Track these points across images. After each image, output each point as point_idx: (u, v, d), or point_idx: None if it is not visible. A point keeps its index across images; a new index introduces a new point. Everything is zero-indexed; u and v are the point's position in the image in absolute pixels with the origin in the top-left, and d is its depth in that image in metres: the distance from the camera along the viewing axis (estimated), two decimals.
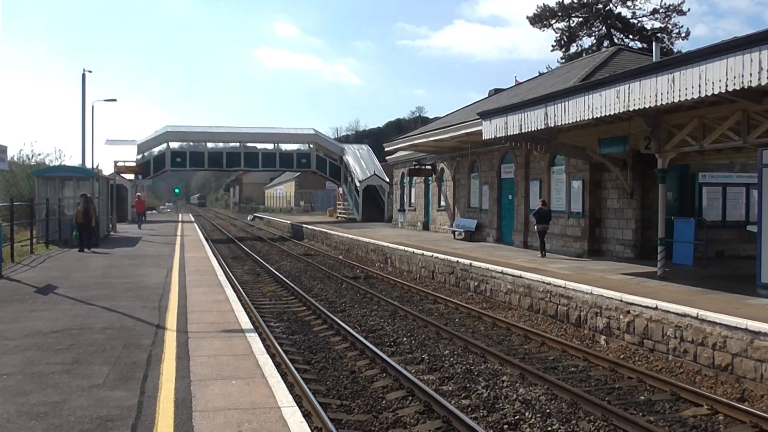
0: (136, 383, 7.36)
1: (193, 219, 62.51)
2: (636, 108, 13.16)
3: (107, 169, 42.27)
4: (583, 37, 60.14)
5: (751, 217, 19.18)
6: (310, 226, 43.58)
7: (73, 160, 70.93)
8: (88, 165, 39.59)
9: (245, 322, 11.04)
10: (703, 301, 11.82)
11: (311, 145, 56.70)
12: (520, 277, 16.34)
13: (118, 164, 42.86)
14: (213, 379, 7.57)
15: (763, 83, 10.31)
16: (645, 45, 53.47)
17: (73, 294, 13.75)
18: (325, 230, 39.00)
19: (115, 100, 45.56)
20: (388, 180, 51.22)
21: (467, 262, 19.31)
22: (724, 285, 13.93)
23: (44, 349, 8.88)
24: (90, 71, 38.42)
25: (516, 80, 36.77)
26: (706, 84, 11.32)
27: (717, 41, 11.91)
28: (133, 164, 45.67)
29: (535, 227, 21.57)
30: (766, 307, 11.34)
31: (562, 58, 58.50)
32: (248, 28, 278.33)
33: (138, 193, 47.78)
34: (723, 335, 10.23)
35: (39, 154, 40.09)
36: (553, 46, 60.62)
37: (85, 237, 24.19)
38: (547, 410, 8.92)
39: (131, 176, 47.10)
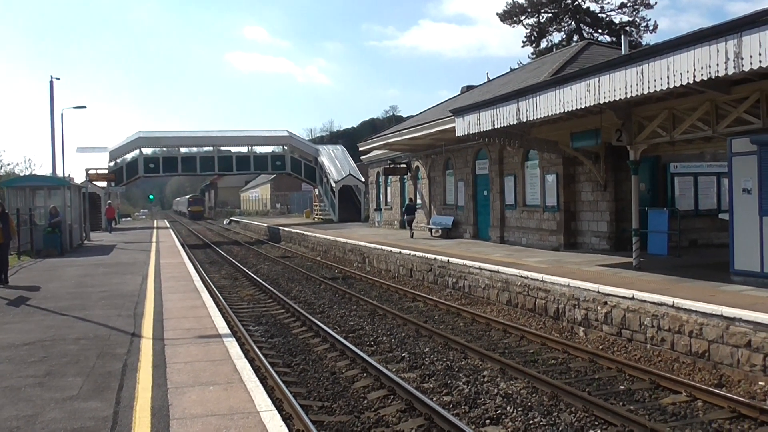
0: (112, 393, 7.25)
1: (168, 225, 61.89)
2: (606, 101, 13.21)
3: (79, 178, 41.67)
4: (552, 32, 60.76)
5: (722, 205, 19.41)
6: (287, 229, 43.39)
7: (43, 169, 70.13)
8: (59, 173, 39.01)
9: (222, 327, 10.93)
10: (678, 290, 11.92)
11: (285, 147, 56.48)
12: (498, 272, 16.37)
13: (90, 172, 42.19)
14: (190, 386, 7.47)
15: (729, 73, 10.40)
16: (614, 39, 54.10)
17: (46, 305, 13.53)
18: (302, 232, 38.85)
19: (84, 107, 44.59)
20: (363, 180, 51.16)
21: (445, 259, 19.32)
22: (699, 273, 14.06)
23: (16, 362, 8.72)
24: (58, 78, 37.67)
25: (488, 77, 36.83)
26: (674, 75, 11.39)
27: (681, 34, 12.01)
28: (106, 171, 45.02)
29: (405, 218, 30.35)
30: (740, 293, 11.47)
31: (532, 54, 58.88)
32: (217, 33, 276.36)
33: (108, 201, 47.27)
34: (699, 322, 10.32)
35: (8, 164, 39.79)
36: (523, 42, 61.14)
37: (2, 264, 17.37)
38: (529, 403, 8.93)
39: (104, 184, 46.51)
